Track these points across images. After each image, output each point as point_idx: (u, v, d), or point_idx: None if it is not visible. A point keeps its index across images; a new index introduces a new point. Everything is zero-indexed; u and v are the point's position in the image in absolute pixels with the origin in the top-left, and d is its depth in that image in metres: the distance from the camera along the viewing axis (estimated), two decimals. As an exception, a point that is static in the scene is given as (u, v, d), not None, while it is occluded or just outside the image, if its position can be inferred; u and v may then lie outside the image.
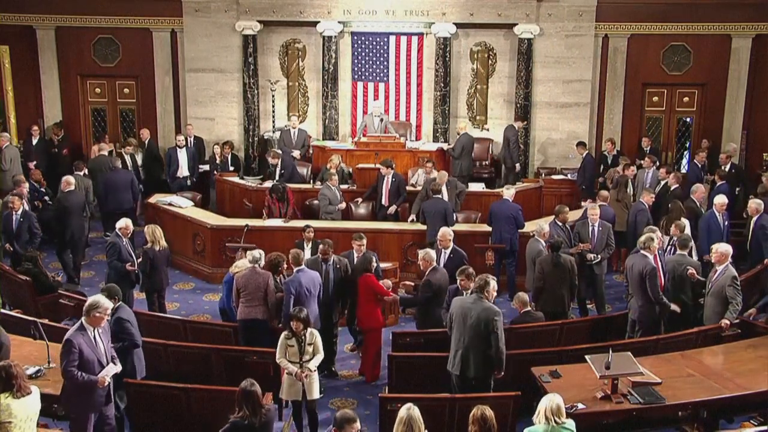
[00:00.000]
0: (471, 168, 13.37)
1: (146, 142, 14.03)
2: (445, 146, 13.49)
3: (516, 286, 10.48)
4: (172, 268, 11.75)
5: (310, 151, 13.94)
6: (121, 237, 9.31)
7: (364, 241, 8.90)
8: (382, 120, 13.74)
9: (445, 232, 9.30)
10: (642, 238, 8.33)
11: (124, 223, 9.41)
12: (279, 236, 10.74)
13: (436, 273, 8.36)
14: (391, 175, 11.53)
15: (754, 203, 10.05)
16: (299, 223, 10.69)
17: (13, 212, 10.55)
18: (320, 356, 7.15)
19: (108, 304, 6.32)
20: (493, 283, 6.94)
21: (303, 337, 7.00)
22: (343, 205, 11.49)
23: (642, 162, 12.72)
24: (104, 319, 6.24)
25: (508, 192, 10.89)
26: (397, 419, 5.28)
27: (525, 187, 12.85)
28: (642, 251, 8.22)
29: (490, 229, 10.87)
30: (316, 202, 11.61)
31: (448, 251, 9.16)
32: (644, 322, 8.10)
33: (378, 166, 12.29)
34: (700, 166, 12.77)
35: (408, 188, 12.23)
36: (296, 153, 13.52)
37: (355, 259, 8.79)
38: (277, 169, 12.50)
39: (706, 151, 13.16)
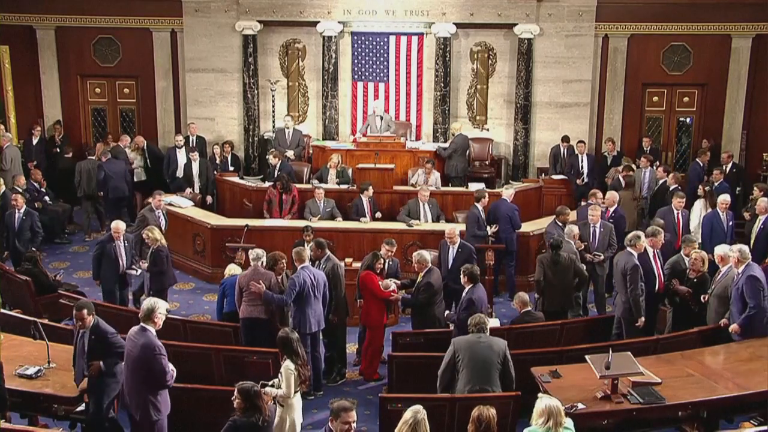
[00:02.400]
0: (466, 168, 13.43)
1: (144, 146, 13.97)
2: (444, 146, 13.48)
3: (515, 286, 10.51)
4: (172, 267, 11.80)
5: (310, 152, 13.93)
6: (112, 240, 9.30)
7: (394, 248, 8.89)
8: (382, 118, 13.75)
9: (453, 228, 9.42)
10: (629, 236, 8.36)
11: (115, 225, 9.39)
12: (279, 236, 10.75)
13: (433, 274, 8.39)
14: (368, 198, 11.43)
15: (763, 201, 10.03)
16: (299, 223, 10.71)
17: (16, 210, 10.58)
18: (281, 392, 6.27)
19: (165, 303, 6.43)
20: (492, 321, 6.74)
21: (279, 362, 6.52)
22: (332, 223, 11.30)
23: (639, 161, 12.77)
24: (163, 320, 6.31)
25: (507, 192, 10.94)
26: (402, 420, 5.27)
27: (525, 187, 12.88)
28: (628, 248, 8.23)
29: (489, 229, 10.90)
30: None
31: (455, 246, 9.25)
32: (627, 319, 8.12)
33: (379, 166, 12.31)
34: (702, 165, 12.77)
35: (406, 188, 12.26)
36: (290, 153, 13.49)
37: (386, 264, 8.78)
38: (276, 170, 12.49)
39: (708, 152, 13.17)
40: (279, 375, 6.42)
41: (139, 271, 9.52)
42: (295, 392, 6.38)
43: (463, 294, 7.86)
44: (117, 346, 6.46)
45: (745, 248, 7.72)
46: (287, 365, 6.35)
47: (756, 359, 7.11)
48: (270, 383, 6.36)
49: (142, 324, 6.22)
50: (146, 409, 6.16)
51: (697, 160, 13.04)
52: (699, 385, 6.65)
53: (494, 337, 6.74)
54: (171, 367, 6.29)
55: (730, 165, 12.74)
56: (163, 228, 10.21)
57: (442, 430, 6.37)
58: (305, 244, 9.43)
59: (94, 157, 12.92)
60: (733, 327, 7.53)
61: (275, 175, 12.29)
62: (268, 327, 8.05)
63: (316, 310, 7.99)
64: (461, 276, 7.84)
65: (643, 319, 8.07)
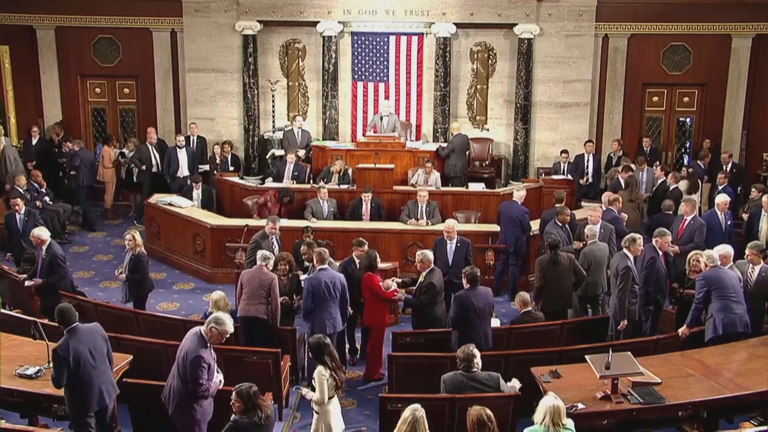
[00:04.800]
0: (466, 168, 13.43)
1: (154, 141, 13.97)
2: (440, 145, 13.50)
3: (518, 286, 10.50)
4: (172, 268, 11.81)
5: (310, 152, 13.94)
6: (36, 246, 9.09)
7: (365, 248, 8.84)
8: (382, 118, 13.75)
9: (452, 223, 9.42)
10: (626, 237, 8.34)
11: (37, 232, 9.05)
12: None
13: (435, 274, 8.39)
14: (371, 200, 11.39)
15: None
16: (300, 224, 10.71)
17: (17, 213, 10.58)
18: (316, 397, 6.25)
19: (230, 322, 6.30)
20: (478, 359, 6.48)
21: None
22: (333, 223, 11.27)
23: (636, 162, 12.81)
24: (218, 335, 6.21)
25: (518, 194, 10.82)
26: (401, 418, 5.29)
27: (525, 186, 12.85)
28: (624, 250, 8.22)
29: (489, 228, 10.99)
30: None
31: (454, 242, 9.27)
32: (616, 321, 8.10)
33: (379, 166, 12.31)
34: (702, 167, 12.79)
35: (406, 188, 12.26)
36: (302, 153, 13.54)
37: (358, 265, 8.76)
38: (288, 169, 12.45)
39: (710, 154, 13.20)
40: (312, 380, 6.37)
41: (30, 282, 9.04)
42: (330, 397, 6.32)
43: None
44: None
45: (713, 254, 7.79)
46: (319, 371, 6.28)
47: (756, 359, 7.11)
48: (304, 387, 6.39)
49: (201, 330, 6.20)
50: (178, 410, 6.16)
51: (697, 161, 13.05)
52: (699, 385, 6.65)
53: (487, 374, 6.45)
54: (219, 378, 6.28)
55: (729, 165, 12.74)
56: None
57: (442, 430, 6.37)
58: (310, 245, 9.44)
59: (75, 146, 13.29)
60: (682, 329, 7.69)
61: (290, 174, 12.32)
62: (267, 326, 8.06)
63: (331, 312, 7.96)
64: (462, 277, 7.82)
65: (625, 322, 8.05)
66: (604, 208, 10.27)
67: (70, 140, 13.76)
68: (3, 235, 11.80)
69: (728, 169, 12.50)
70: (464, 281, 7.76)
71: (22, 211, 10.63)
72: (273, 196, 11.72)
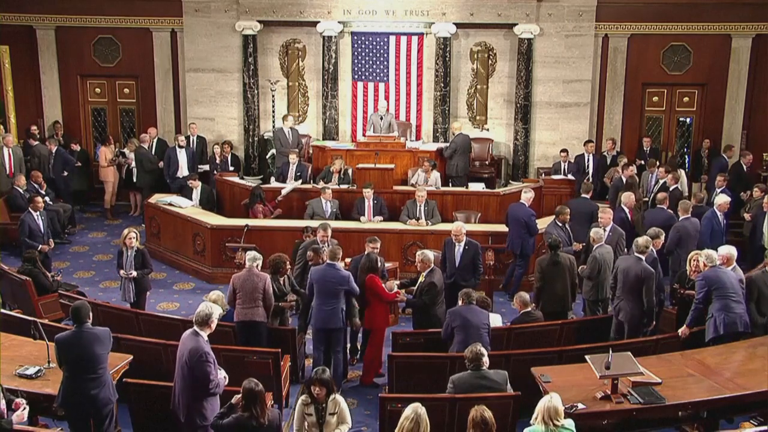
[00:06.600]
0: (467, 168, 13.41)
1: (154, 140, 13.97)
2: (444, 146, 13.50)
3: (520, 287, 10.49)
4: (172, 268, 11.81)
5: (310, 152, 13.94)
6: None
7: (378, 244, 8.85)
8: (382, 118, 13.76)
9: (460, 226, 9.42)
10: (642, 241, 8.21)
11: None
12: (279, 236, 10.75)
13: (435, 274, 8.38)
14: (372, 197, 11.42)
15: None
16: (300, 223, 10.70)
17: (34, 212, 10.59)
18: (346, 426, 6.00)
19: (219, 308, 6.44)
20: (486, 357, 6.50)
21: (324, 406, 5.92)
22: (333, 223, 11.19)
23: (643, 163, 12.80)
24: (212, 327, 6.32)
25: (526, 195, 10.73)
26: (403, 415, 5.33)
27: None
28: (637, 254, 8.15)
29: (489, 228, 11.04)
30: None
31: (462, 244, 9.27)
32: (635, 325, 8.05)
33: (379, 166, 12.30)
34: (726, 159, 12.99)
35: (406, 188, 12.25)
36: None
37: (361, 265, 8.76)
38: (291, 170, 12.45)
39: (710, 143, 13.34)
40: (322, 415, 5.99)
41: None
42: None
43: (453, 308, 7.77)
44: None
45: (712, 254, 7.79)
46: (340, 400, 6.05)
47: (756, 359, 7.12)
48: None
49: (195, 328, 6.25)
50: (191, 414, 6.16)
51: (723, 155, 13.16)
52: (699, 385, 6.65)
53: (495, 372, 6.52)
54: (222, 375, 6.30)
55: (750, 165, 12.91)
56: None
57: (442, 429, 6.37)
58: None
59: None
60: (682, 329, 7.71)
61: (293, 175, 12.39)
62: (265, 329, 8.03)
63: (327, 309, 7.99)
64: (459, 299, 7.72)
65: (654, 323, 8.18)
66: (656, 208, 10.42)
67: (51, 138, 13.80)
68: (2, 236, 11.83)
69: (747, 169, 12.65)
70: (460, 301, 7.66)
71: (41, 211, 10.69)
72: (258, 205, 11.79)
